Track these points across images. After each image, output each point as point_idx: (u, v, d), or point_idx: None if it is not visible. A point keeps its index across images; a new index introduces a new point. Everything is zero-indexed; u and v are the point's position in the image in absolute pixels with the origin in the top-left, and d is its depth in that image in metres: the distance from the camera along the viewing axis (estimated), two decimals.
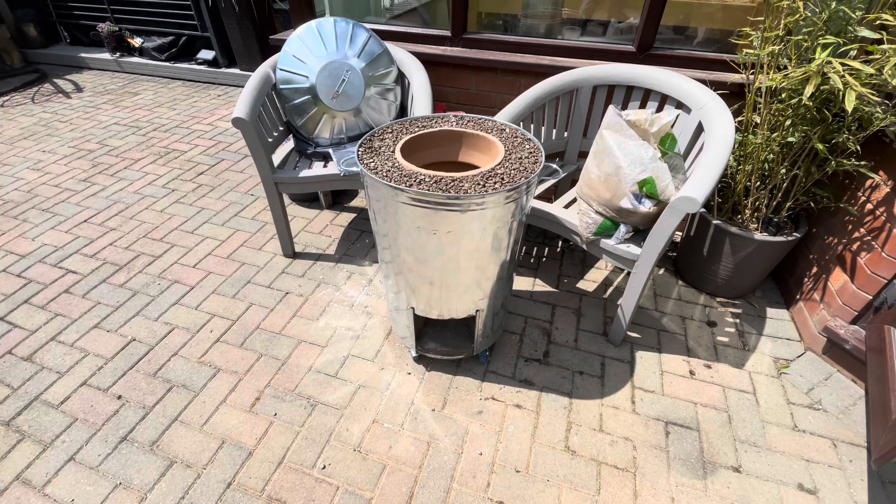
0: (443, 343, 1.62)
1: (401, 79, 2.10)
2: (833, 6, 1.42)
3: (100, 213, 2.46)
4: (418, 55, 2.16)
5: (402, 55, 2.10)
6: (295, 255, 2.18)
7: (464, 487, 1.32)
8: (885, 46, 1.26)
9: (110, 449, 1.40)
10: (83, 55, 4.61)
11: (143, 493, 1.30)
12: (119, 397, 1.55)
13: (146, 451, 1.40)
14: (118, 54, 4.57)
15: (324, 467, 1.36)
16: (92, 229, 2.34)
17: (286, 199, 2.59)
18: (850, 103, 1.22)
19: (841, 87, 1.25)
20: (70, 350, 1.71)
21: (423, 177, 1.19)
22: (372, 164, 1.25)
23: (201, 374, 1.62)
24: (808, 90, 1.30)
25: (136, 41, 4.46)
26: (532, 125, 1.91)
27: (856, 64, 1.27)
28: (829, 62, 1.29)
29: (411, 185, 1.15)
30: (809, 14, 1.45)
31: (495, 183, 1.17)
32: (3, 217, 2.42)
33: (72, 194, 2.62)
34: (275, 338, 1.76)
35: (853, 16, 1.41)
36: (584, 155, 2.08)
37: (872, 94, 1.28)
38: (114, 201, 2.57)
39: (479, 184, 1.17)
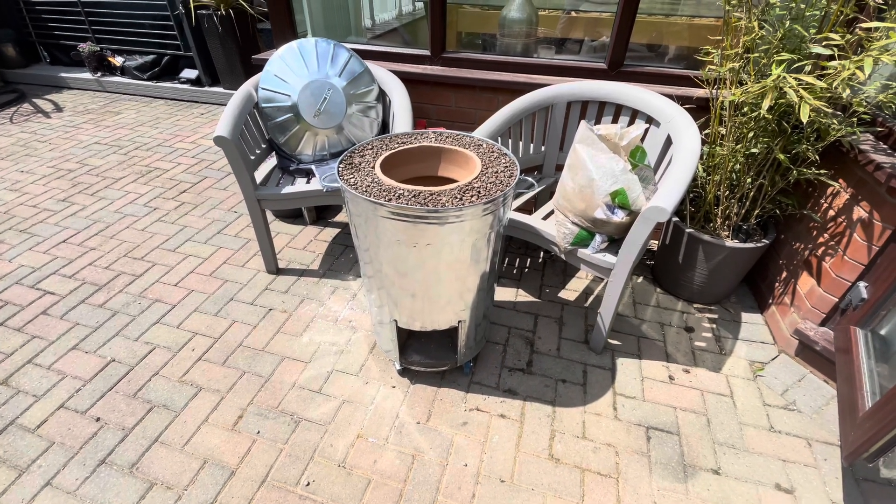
0: (427, 355, 1.63)
1: (382, 97, 2.14)
2: (787, 25, 1.51)
3: (79, 233, 2.43)
4: (399, 74, 2.22)
5: (383, 74, 2.15)
6: (278, 272, 2.18)
7: (449, 499, 1.32)
8: (835, 63, 1.35)
9: (88, 472, 1.37)
10: (63, 75, 4.59)
11: None
12: (98, 419, 1.52)
13: (125, 473, 1.37)
14: (99, 74, 4.55)
15: (308, 484, 1.35)
16: (71, 249, 2.31)
17: (270, 216, 2.60)
18: (804, 115, 1.29)
19: (796, 100, 1.33)
20: (47, 373, 1.67)
21: (402, 191, 1.22)
22: (352, 180, 1.28)
23: (182, 394, 1.61)
24: (766, 104, 1.37)
25: (118, 60, 4.45)
26: (510, 140, 1.96)
27: (809, 79, 1.35)
28: (784, 77, 1.37)
29: (390, 200, 1.18)
30: (765, 33, 1.54)
31: (472, 196, 1.21)
32: None
33: (50, 214, 2.59)
34: (258, 355, 1.76)
35: (806, 34, 1.50)
36: (561, 168, 2.14)
37: (826, 107, 1.36)
38: (94, 221, 2.54)
39: (456, 197, 1.20)
